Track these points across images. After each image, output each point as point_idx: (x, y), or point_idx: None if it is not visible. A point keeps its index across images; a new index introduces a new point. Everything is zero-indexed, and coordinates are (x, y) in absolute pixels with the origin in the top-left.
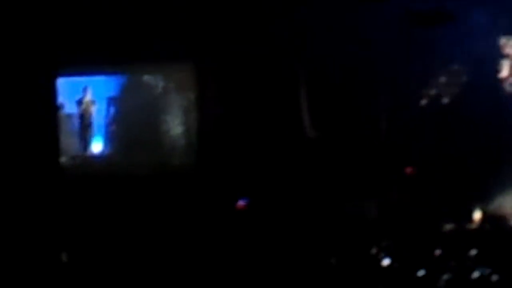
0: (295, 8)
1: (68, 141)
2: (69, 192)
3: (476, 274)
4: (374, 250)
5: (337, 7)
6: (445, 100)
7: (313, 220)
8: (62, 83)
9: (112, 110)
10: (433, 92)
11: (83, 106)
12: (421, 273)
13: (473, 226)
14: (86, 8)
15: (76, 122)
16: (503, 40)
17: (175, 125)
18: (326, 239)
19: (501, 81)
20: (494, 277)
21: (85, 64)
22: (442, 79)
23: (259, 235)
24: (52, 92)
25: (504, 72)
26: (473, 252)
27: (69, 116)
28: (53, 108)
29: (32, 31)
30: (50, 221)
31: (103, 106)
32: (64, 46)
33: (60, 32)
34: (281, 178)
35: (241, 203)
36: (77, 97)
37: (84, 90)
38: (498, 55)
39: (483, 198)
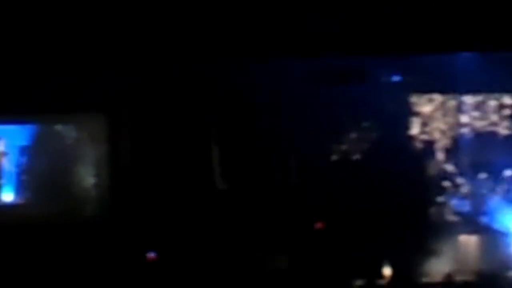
0: (207, 62)
1: None
2: None
3: None
4: None
5: (250, 62)
6: (356, 156)
7: (223, 273)
8: None
9: (24, 159)
10: (343, 147)
11: None
12: None
13: (383, 281)
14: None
15: None
16: (413, 98)
17: (87, 175)
18: None
19: (411, 138)
20: None
21: None
22: (353, 135)
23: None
24: None
25: (414, 130)
26: None
27: None
28: None
29: None
30: None
31: (15, 155)
32: None
33: None
34: (192, 229)
35: (150, 255)
36: None
37: None
38: (409, 113)
39: (393, 254)
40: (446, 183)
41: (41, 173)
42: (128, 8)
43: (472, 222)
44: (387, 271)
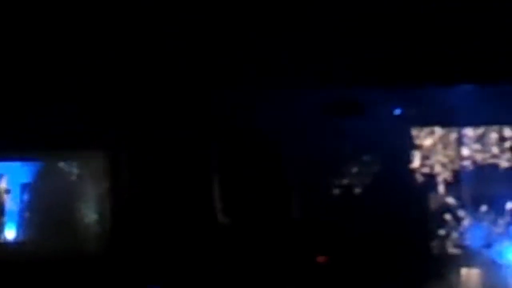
0: (210, 95)
1: None
2: None
3: None
4: None
5: (250, 96)
6: (357, 189)
7: None
8: None
9: (26, 196)
10: (345, 181)
11: None
12: None
13: None
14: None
15: None
16: (414, 131)
17: (89, 212)
18: None
19: (412, 171)
20: None
21: None
22: (354, 169)
23: None
24: None
25: (415, 163)
26: None
27: None
28: None
29: None
30: None
31: (17, 192)
32: None
33: None
34: (193, 265)
35: None
36: None
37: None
38: (410, 146)
39: (395, 287)
40: (448, 216)
41: (43, 210)
42: (128, 45)
43: (474, 255)
44: None
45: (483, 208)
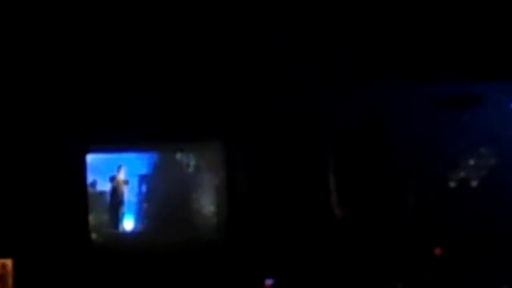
0: (324, 87)
1: (100, 218)
2: (101, 268)
3: None
4: None
5: (366, 89)
6: (474, 182)
7: None
8: (94, 160)
9: (144, 187)
10: (462, 174)
11: (116, 184)
12: None
13: None
14: (120, 87)
15: (108, 199)
16: None
17: (206, 203)
18: None
19: None
20: None
21: (118, 141)
22: (471, 161)
23: None
24: (83, 169)
25: None
26: None
27: (101, 193)
28: (84, 185)
29: (66, 106)
30: None
31: (135, 183)
32: (97, 123)
33: (94, 110)
34: (308, 258)
35: (268, 282)
36: (110, 175)
37: (118, 168)
38: None
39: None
40: None
41: (161, 201)
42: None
43: None
44: None
45: None
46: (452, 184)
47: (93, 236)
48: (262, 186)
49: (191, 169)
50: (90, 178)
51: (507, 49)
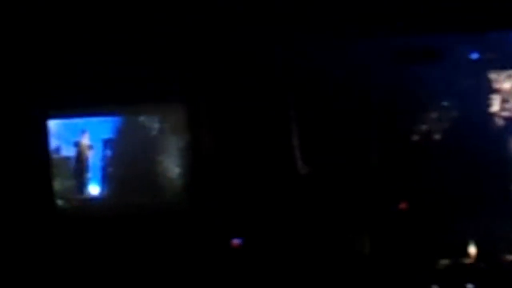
0: (285, 44)
1: (65, 184)
2: (67, 234)
3: None
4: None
5: (326, 43)
6: (437, 135)
7: (306, 257)
8: (57, 125)
9: (108, 152)
10: (424, 127)
11: (80, 149)
12: None
13: (469, 261)
14: (81, 51)
15: (73, 164)
16: (493, 75)
17: (171, 166)
18: (320, 275)
19: (492, 115)
20: None
21: (81, 106)
22: (433, 114)
23: (253, 273)
24: (45, 135)
25: (494, 107)
26: (470, 286)
27: (66, 159)
28: (47, 151)
29: (24, 73)
30: (47, 263)
31: (99, 148)
32: (58, 89)
33: (55, 75)
34: (274, 215)
35: (235, 241)
36: (74, 140)
37: (82, 133)
38: (488, 90)
39: (477, 232)
40: None
41: (126, 165)
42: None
43: None
44: (472, 249)
45: None
46: (415, 138)
47: (59, 202)
48: (227, 146)
49: (155, 132)
50: (53, 144)
51: (465, 1)
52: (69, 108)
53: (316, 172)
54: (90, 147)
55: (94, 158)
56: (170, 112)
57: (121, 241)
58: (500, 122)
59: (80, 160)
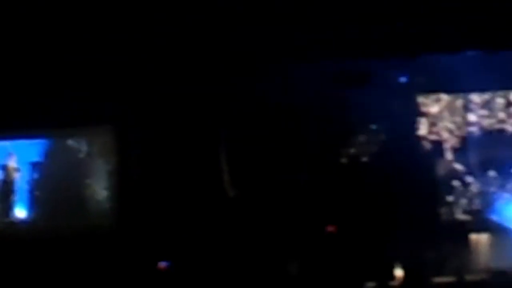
0: (217, 71)
1: None
2: None
3: None
4: None
5: (257, 69)
6: (365, 158)
7: (236, 279)
8: None
9: (35, 175)
10: (352, 150)
11: (7, 172)
12: None
13: (395, 283)
14: (8, 74)
15: None
16: (420, 98)
17: (99, 188)
18: None
19: (419, 138)
20: None
21: (7, 128)
22: (362, 137)
23: None
24: None
25: (422, 130)
26: None
27: None
28: None
29: None
30: None
31: (26, 171)
32: None
33: None
34: (202, 239)
35: (162, 265)
36: (0, 163)
37: (9, 156)
38: (416, 113)
39: (404, 255)
40: (456, 182)
41: (53, 188)
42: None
43: (482, 221)
44: (398, 272)
45: (491, 173)
46: (343, 161)
47: None
48: (155, 170)
49: (82, 155)
50: None
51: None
52: None
53: (245, 196)
54: (17, 169)
55: (20, 181)
56: (98, 135)
57: (47, 264)
58: (428, 145)
59: (6, 183)
